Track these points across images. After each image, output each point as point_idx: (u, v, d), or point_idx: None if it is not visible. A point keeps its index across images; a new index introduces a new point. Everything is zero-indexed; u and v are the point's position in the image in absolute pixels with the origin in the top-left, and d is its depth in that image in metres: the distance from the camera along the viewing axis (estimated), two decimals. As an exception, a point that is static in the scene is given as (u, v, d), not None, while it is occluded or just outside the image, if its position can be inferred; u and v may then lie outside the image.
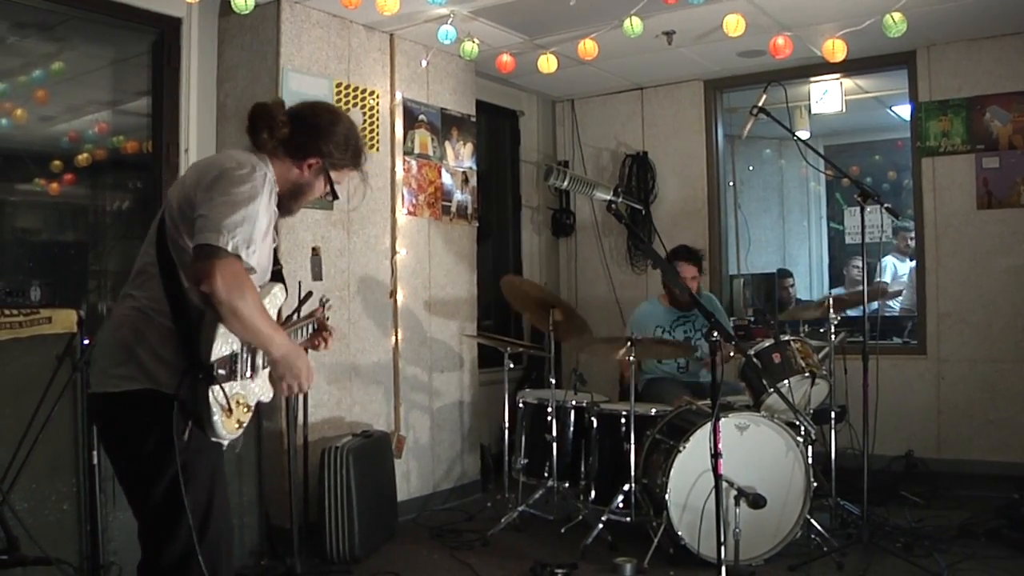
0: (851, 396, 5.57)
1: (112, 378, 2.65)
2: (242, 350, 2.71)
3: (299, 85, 5.48)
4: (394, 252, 6.12)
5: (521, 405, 5.93)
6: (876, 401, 5.17)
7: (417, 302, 6.30)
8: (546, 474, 5.67)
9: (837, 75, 7.32)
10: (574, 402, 5.75)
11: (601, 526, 5.15)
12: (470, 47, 6.05)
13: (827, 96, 7.51)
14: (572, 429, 5.74)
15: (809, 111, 7.99)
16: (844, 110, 7.62)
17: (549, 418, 5.64)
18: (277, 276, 3.00)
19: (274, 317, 2.89)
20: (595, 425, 5.55)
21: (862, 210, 5.06)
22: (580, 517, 5.45)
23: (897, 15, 5.35)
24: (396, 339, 6.11)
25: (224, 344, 2.63)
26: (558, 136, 8.48)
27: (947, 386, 6.59)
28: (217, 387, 2.61)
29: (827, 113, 7.69)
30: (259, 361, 2.80)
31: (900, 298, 8.06)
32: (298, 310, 3.19)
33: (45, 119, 5.39)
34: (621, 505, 5.21)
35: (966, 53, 6.55)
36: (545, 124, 8.45)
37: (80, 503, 4.10)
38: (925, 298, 6.74)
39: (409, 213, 6.23)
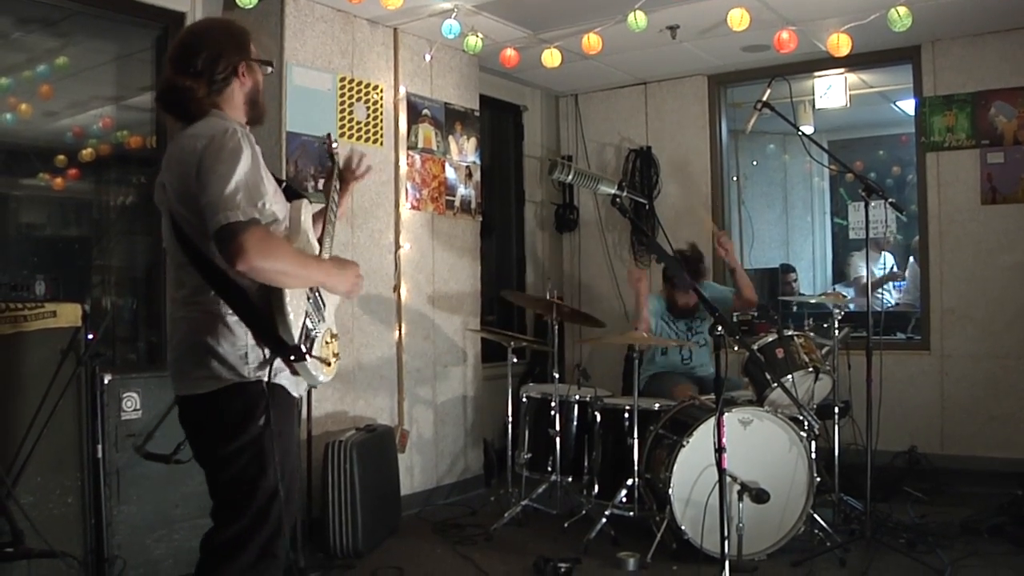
0: (854, 391, 5.57)
1: (199, 380, 2.71)
2: (309, 303, 2.81)
3: (303, 79, 5.48)
4: (398, 247, 6.12)
5: (524, 400, 5.94)
6: (879, 397, 5.15)
7: (421, 297, 6.31)
8: (549, 469, 5.67)
9: (841, 70, 7.30)
10: (577, 397, 5.75)
11: (604, 521, 5.15)
12: (474, 41, 6.05)
13: (831, 91, 7.50)
14: (575, 424, 5.75)
15: (813, 106, 7.98)
16: (848, 105, 7.61)
17: (552, 413, 5.65)
18: (291, 192, 3.02)
19: (309, 222, 2.97)
20: (598, 420, 5.56)
21: (866, 205, 5.06)
22: (583, 512, 5.45)
23: (902, 9, 5.35)
24: (400, 334, 6.12)
25: (298, 316, 2.72)
26: (562, 131, 8.48)
27: (951, 382, 6.58)
28: (309, 356, 2.73)
29: (831, 108, 7.68)
30: (321, 296, 2.91)
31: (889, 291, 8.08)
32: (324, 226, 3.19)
33: (49, 114, 5.39)
34: (624, 500, 5.21)
35: (971, 48, 6.54)
36: (549, 119, 8.45)
37: (85, 496, 4.11)
38: (929, 294, 6.73)
39: (413, 208, 6.23)
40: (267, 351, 2.71)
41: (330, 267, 2.89)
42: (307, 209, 2.98)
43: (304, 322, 2.76)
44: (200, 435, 2.83)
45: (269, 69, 3.06)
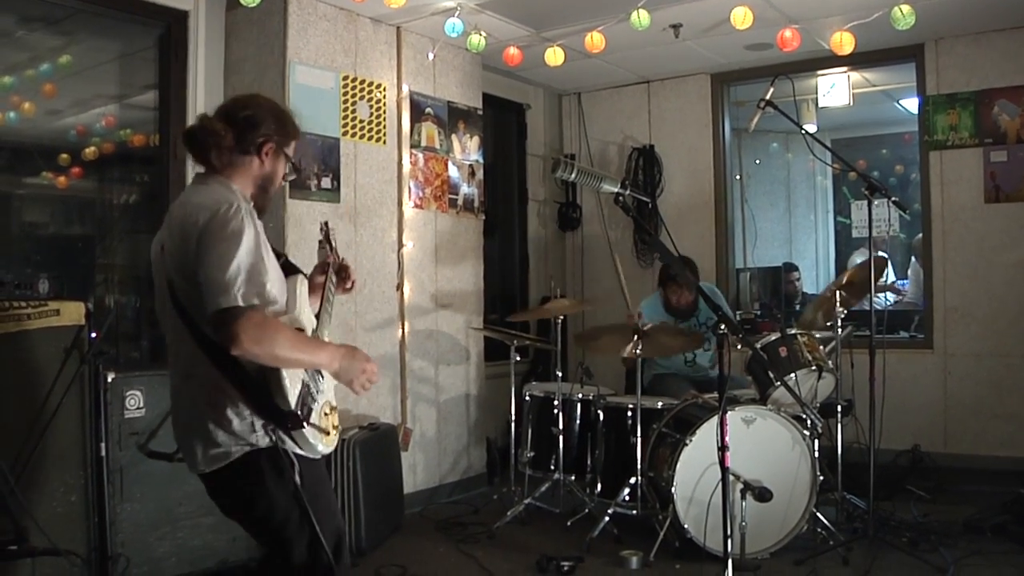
0: (857, 390, 5.57)
1: (212, 457, 2.71)
2: (307, 373, 2.80)
3: (306, 78, 5.48)
4: (401, 245, 6.12)
5: (527, 398, 5.93)
6: (883, 395, 5.15)
7: (424, 295, 6.31)
8: (552, 467, 5.67)
9: (845, 68, 7.29)
10: (580, 395, 5.75)
11: (607, 519, 5.16)
12: (477, 40, 6.05)
13: (834, 90, 7.49)
14: (578, 422, 5.74)
15: (816, 104, 7.97)
16: (851, 104, 7.60)
17: (555, 411, 5.65)
18: (289, 267, 3.01)
19: (308, 310, 2.96)
20: (601, 418, 5.56)
21: (869, 204, 5.05)
22: (586, 510, 5.45)
23: (905, 8, 5.34)
24: (403, 332, 6.12)
25: (294, 384, 2.71)
26: (565, 129, 8.47)
27: (954, 380, 6.58)
28: (306, 424, 2.71)
29: (834, 107, 7.67)
30: (320, 370, 2.87)
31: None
32: (320, 312, 3.19)
33: (52, 113, 5.40)
34: (627, 498, 5.21)
35: (974, 46, 6.53)
36: (552, 117, 8.45)
37: (88, 494, 4.11)
38: (932, 292, 6.73)
39: (416, 206, 6.23)
40: (266, 422, 2.71)
41: (334, 351, 2.83)
42: (303, 284, 2.99)
43: (301, 390, 2.75)
44: (233, 508, 2.86)
45: (292, 175, 3.08)
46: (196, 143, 2.86)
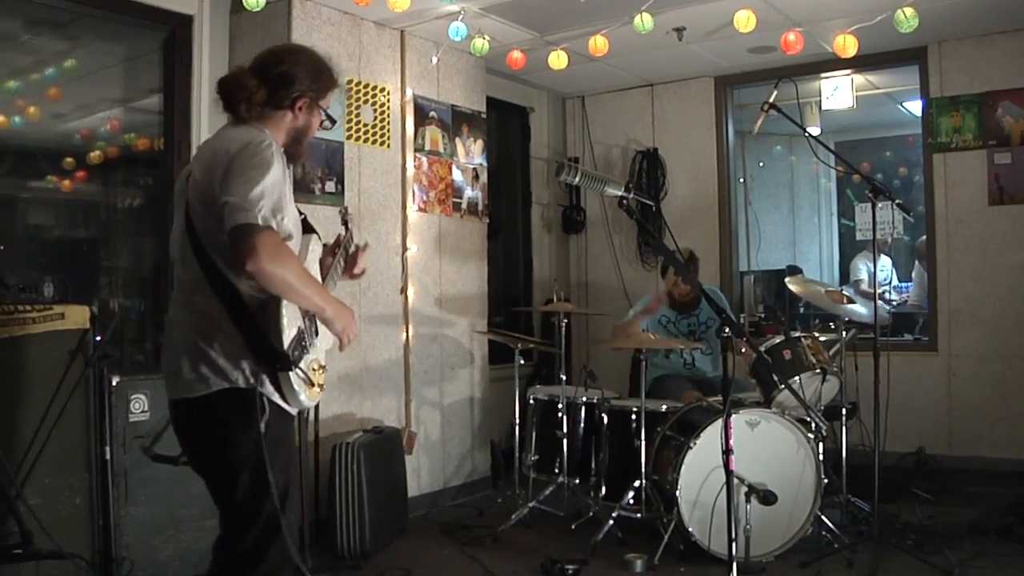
0: (862, 392, 5.55)
1: (191, 383, 2.72)
2: (304, 321, 2.82)
3: (310, 82, 5.48)
4: (405, 248, 6.13)
5: (531, 401, 5.93)
6: (887, 398, 5.15)
7: (428, 298, 6.31)
8: (556, 470, 5.67)
9: (848, 71, 7.29)
10: (584, 398, 5.74)
11: (612, 522, 5.15)
12: (480, 44, 6.06)
13: (838, 92, 7.49)
14: (582, 425, 5.74)
15: (820, 107, 7.98)
16: (855, 106, 7.60)
17: (559, 414, 5.65)
18: (307, 226, 3.05)
19: (317, 267, 3.02)
20: (606, 421, 5.55)
21: (873, 206, 5.05)
22: (591, 513, 5.45)
23: (909, 10, 5.34)
24: (407, 335, 6.12)
25: (291, 326, 2.74)
26: (568, 133, 8.48)
27: (958, 383, 6.57)
28: (297, 368, 2.72)
29: (838, 109, 7.67)
30: (317, 326, 2.92)
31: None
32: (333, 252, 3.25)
33: (57, 116, 5.42)
34: (632, 501, 5.21)
35: (978, 48, 6.53)
36: (555, 121, 8.45)
37: (93, 497, 4.12)
38: (936, 294, 6.72)
39: (420, 209, 6.24)
40: (254, 361, 2.70)
41: (332, 298, 2.87)
42: (317, 244, 3.04)
43: (295, 336, 2.77)
44: (195, 441, 2.84)
45: (329, 124, 3.09)
46: (226, 95, 2.88)
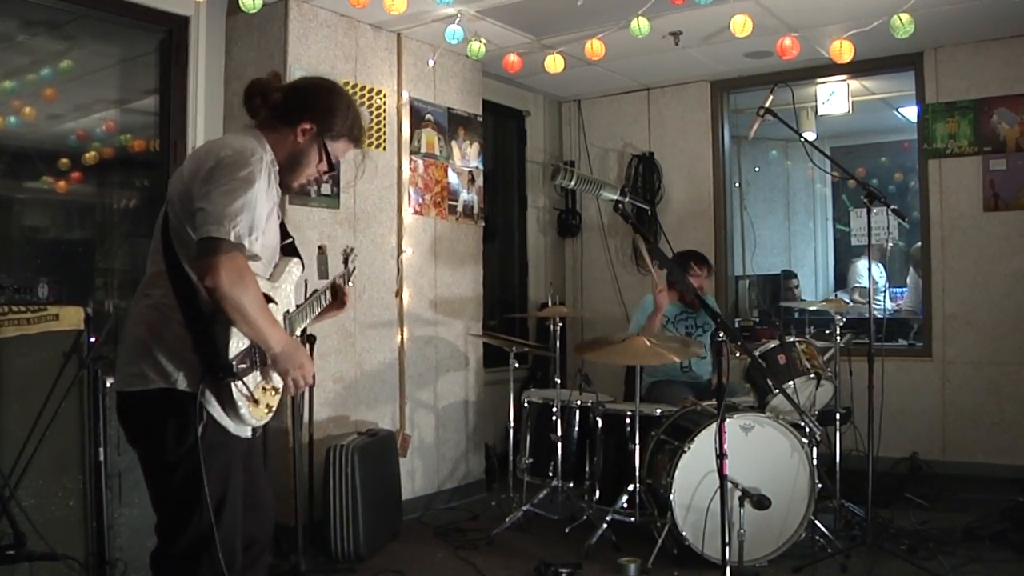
0: (856, 398, 5.58)
1: (129, 377, 2.71)
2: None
3: (306, 84, 5.49)
4: (400, 251, 6.13)
5: (526, 405, 5.94)
6: (881, 403, 5.15)
7: (423, 301, 6.31)
8: (551, 474, 5.68)
9: (844, 76, 7.31)
10: (579, 402, 5.75)
11: (605, 526, 5.15)
12: (477, 47, 6.06)
13: (834, 97, 7.50)
14: (577, 429, 5.74)
15: (816, 112, 7.99)
16: (851, 112, 7.62)
17: (554, 418, 5.65)
18: (291, 250, 3.03)
19: (292, 290, 2.97)
20: (600, 425, 5.55)
21: (868, 212, 5.06)
22: (584, 517, 5.44)
23: (905, 16, 5.35)
24: (402, 338, 6.12)
25: (240, 339, 2.67)
26: (564, 136, 8.49)
27: (952, 388, 6.58)
28: (239, 382, 2.67)
29: (834, 115, 7.69)
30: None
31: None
32: (301, 306, 3.19)
33: (53, 117, 5.40)
34: (625, 505, 5.21)
35: (973, 55, 6.54)
36: (551, 124, 8.46)
37: (86, 499, 4.11)
38: (931, 300, 6.73)
39: (415, 212, 6.24)
40: (198, 365, 2.64)
41: (284, 338, 2.76)
42: (297, 268, 3.01)
43: (247, 348, 2.70)
44: (130, 436, 2.82)
45: (327, 171, 3.05)
46: (249, 92, 2.91)
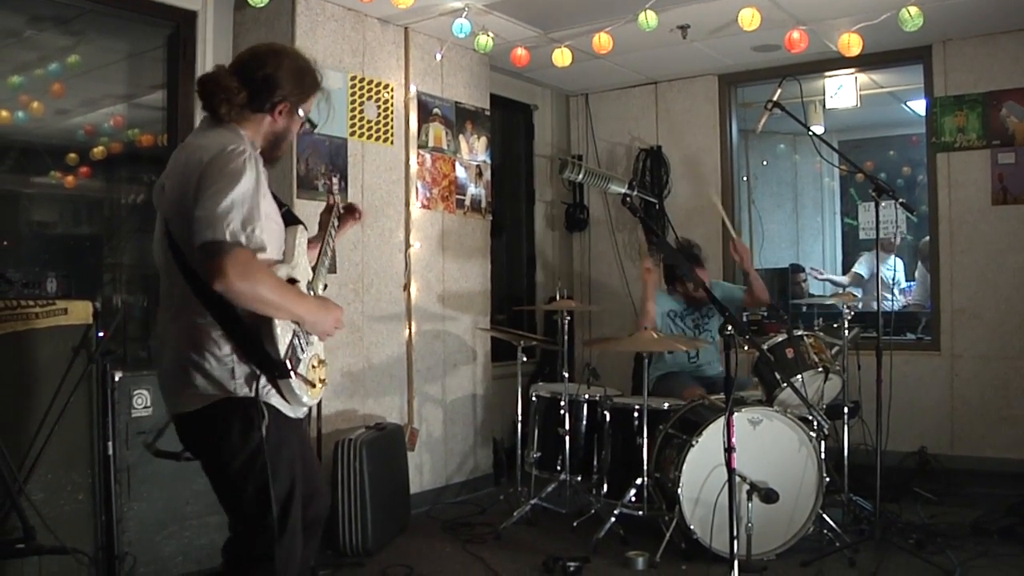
0: (864, 392, 5.56)
1: (187, 398, 2.74)
2: (296, 324, 2.81)
3: (314, 78, 5.48)
4: (408, 245, 6.13)
5: (534, 399, 5.93)
6: (889, 397, 5.16)
7: (431, 295, 6.31)
8: (559, 468, 5.67)
9: (852, 70, 7.28)
10: (587, 396, 5.75)
11: (613, 520, 5.15)
12: (484, 41, 6.06)
13: (842, 91, 7.47)
14: (585, 423, 5.74)
15: (824, 106, 7.96)
16: (859, 105, 7.58)
17: (562, 412, 5.65)
18: (290, 217, 3.02)
19: (305, 258, 3.00)
20: (608, 419, 5.55)
21: (876, 206, 5.05)
22: (592, 511, 5.45)
23: (913, 9, 5.34)
24: (410, 332, 6.13)
25: (285, 333, 2.74)
26: (572, 130, 8.48)
27: (961, 383, 6.57)
28: (295, 374, 2.74)
29: (842, 108, 7.66)
30: None
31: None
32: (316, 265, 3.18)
33: (61, 112, 5.41)
34: (633, 499, 5.21)
35: (982, 48, 6.52)
36: (559, 118, 8.45)
37: (96, 493, 4.12)
38: (939, 294, 6.72)
39: (423, 206, 6.24)
40: (253, 367, 2.71)
41: (311, 304, 2.85)
42: (303, 235, 3.00)
43: (291, 340, 2.76)
44: (199, 452, 2.86)
45: (308, 128, 3.11)
46: (207, 94, 2.84)
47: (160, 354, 2.87)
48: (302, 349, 2.82)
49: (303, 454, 2.97)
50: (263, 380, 2.71)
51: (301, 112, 3.00)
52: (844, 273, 9.79)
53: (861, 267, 9.03)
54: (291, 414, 2.84)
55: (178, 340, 2.75)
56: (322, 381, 2.93)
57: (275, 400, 2.76)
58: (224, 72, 2.88)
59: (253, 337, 2.69)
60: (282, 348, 2.71)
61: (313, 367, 2.88)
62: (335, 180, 3.40)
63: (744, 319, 6.86)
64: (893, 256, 8.57)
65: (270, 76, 2.88)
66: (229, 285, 2.53)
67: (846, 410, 5.30)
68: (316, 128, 3.23)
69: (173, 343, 2.77)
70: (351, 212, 3.36)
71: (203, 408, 2.71)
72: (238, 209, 2.59)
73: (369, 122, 5.87)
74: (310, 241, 3.14)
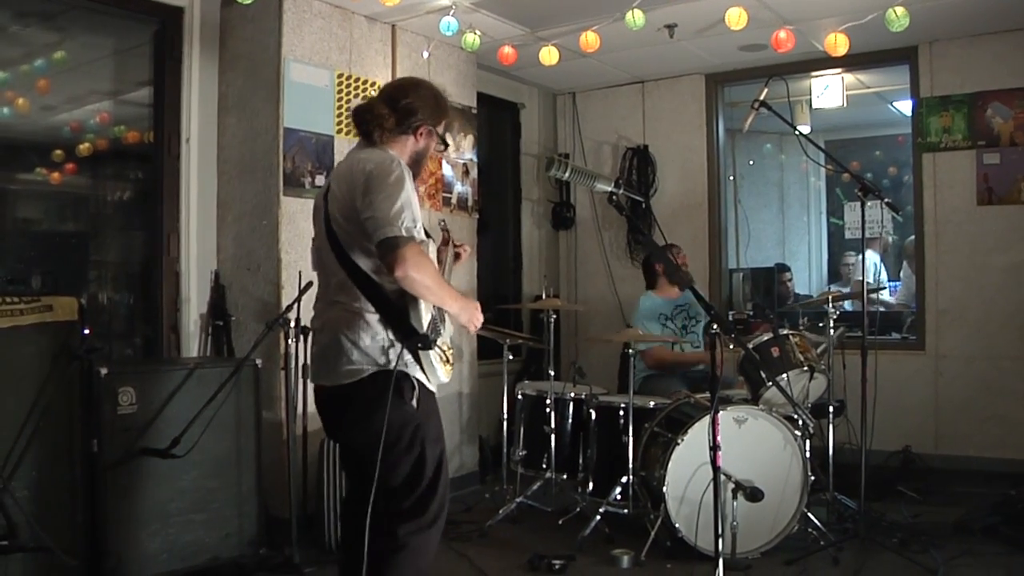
0: (849, 391, 5.58)
1: (344, 372, 3.13)
2: (435, 310, 3.24)
3: (300, 75, 5.48)
4: (394, 243, 6.11)
5: (520, 397, 5.93)
6: (874, 396, 5.17)
7: (417, 294, 6.29)
8: (544, 466, 5.68)
9: (839, 70, 7.30)
10: (573, 394, 5.75)
11: (599, 518, 5.17)
12: (471, 39, 6.06)
13: (828, 91, 7.49)
14: (570, 421, 5.74)
15: (810, 106, 7.98)
16: (845, 105, 7.60)
17: (548, 410, 5.66)
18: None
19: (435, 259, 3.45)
20: (593, 417, 5.56)
21: (862, 205, 5.07)
22: (578, 509, 5.46)
23: (899, 9, 5.36)
24: (396, 330, 6.10)
25: (428, 311, 3.17)
26: (559, 129, 8.48)
27: (945, 382, 6.60)
28: (435, 347, 3.17)
29: (828, 108, 7.67)
30: (444, 313, 3.33)
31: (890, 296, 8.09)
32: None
33: (47, 109, 5.38)
34: (619, 497, 5.22)
35: (968, 49, 6.55)
36: (546, 117, 8.45)
37: (80, 491, 4.11)
38: (924, 294, 6.75)
39: (410, 205, 6.22)
40: (399, 346, 3.10)
41: (459, 296, 3.25)
42: (432, 247, 3.42)
43: (432, 320, 3.18)
44: (350, 421, 3.20)
45: (442, 148, 3.52)
46: (362, 122, 3.31)
47: (317, 335, 3.29)
48: (439, 331, 3.24)
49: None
50: (408, 356, 3.11)
51: (440, 135, 3.45)
52: (831, 280, 9.84)
53: (859, 273, 9.01)
54: (430, 386, 3.22)
55: (336, 322, 3.16)
56: (452, 364, 3.33)
57: (418, 373, 3.15)
58: (375, 101, 3.36)
59: (401, 315, 3.11)
60: (425, 323, 3.12)
61: (447, 348, 3.30)
62: (444, 222, 3.87)
63: (730, 318, 6.88)
64: (869, 252, 8.59)
65: (411, 104, 3.33)
66: (406, 272, 2.96)
67: (831, 409, 5.33)
68: (447, 147, 3.71)
69: (332, 326, 3.17)
70: (457, 250, 3.87)
71: (359, 380, 3.09)
72: (407, 210, 3.04)
73: (356, 120, 5.85)
74: None
